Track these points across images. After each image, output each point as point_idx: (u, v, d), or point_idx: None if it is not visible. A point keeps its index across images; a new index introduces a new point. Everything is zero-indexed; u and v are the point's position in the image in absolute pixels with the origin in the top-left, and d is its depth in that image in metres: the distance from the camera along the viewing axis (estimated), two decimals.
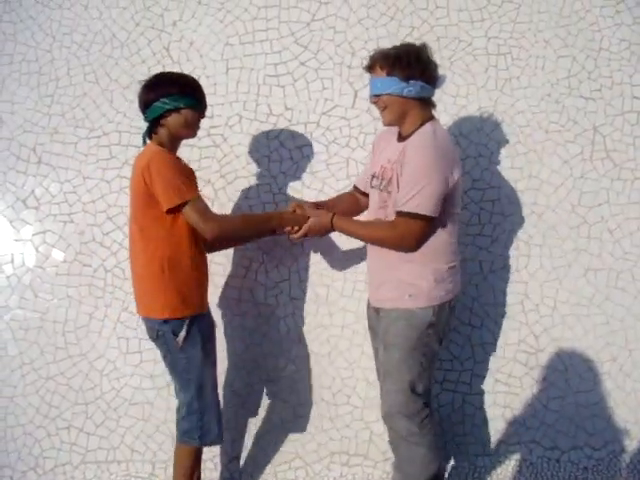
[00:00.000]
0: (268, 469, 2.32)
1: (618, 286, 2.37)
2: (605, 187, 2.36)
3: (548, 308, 2.34)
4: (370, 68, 1.82)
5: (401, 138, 1.86)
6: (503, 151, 2.32)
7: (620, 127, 2.37)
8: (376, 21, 2.31)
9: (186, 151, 2.25)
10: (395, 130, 1.91)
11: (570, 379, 2.36)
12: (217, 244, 2.01)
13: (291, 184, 2.30)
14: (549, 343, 2.33)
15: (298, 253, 2.29)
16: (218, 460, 2.32)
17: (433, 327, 1.82)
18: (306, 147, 2.29)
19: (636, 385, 2.37)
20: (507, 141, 2.32)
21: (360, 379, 2.32)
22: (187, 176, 1.81)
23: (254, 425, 2.28)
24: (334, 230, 1.92)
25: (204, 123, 2.18)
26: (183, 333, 1.82)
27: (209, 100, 1.96)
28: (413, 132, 1.81)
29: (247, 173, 2.25)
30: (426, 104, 1.84)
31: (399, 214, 1.77)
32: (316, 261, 2.30)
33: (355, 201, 2.12)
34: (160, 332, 1.85)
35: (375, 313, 1.97)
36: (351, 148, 2.30)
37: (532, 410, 2.35)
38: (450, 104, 2.32)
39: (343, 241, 2.29)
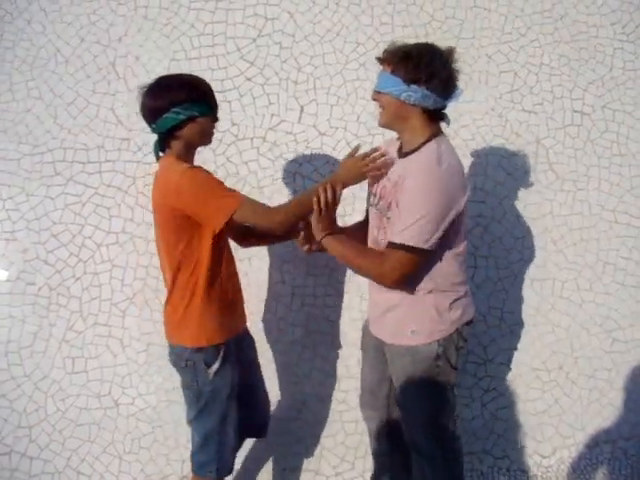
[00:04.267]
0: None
1: (563, 295, 2.42)
2: (549, 199, 2.42)
3: (495, 319, 2.37)
4: (381, 60, 1.65)
5: (402, 154, 1.69)
6: None
7: (562, 140, 2.44)
8: (322, 37, 2.33)
9: (132, 168, 2.23)
10: (399, 141, 1.75)
11: (518, 388, 2.39)
12: (281, 235, 1.79)
13: None
14: (497, 353, 2.36)
15: None
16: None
17: (440, 358, 1.70)
18: (252, 162, 2.29)
19: (582, 392, 2.42)
20: None
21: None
22: (219, 183, 1.65)
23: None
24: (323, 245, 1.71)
25: (146, 139, 2.18)
26: (217, 365, 1.68)
27: None
28: (415, 150, 1.64)
29: None
30: (431, 116, 1.64)
31: (390, 245, 1.60)
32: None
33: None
34: (190, 362, 1.69)
35: (376, 339, 1.82)
36: (298, 163, 2.30)
37: (482, 420, 2.38)
38: None
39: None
